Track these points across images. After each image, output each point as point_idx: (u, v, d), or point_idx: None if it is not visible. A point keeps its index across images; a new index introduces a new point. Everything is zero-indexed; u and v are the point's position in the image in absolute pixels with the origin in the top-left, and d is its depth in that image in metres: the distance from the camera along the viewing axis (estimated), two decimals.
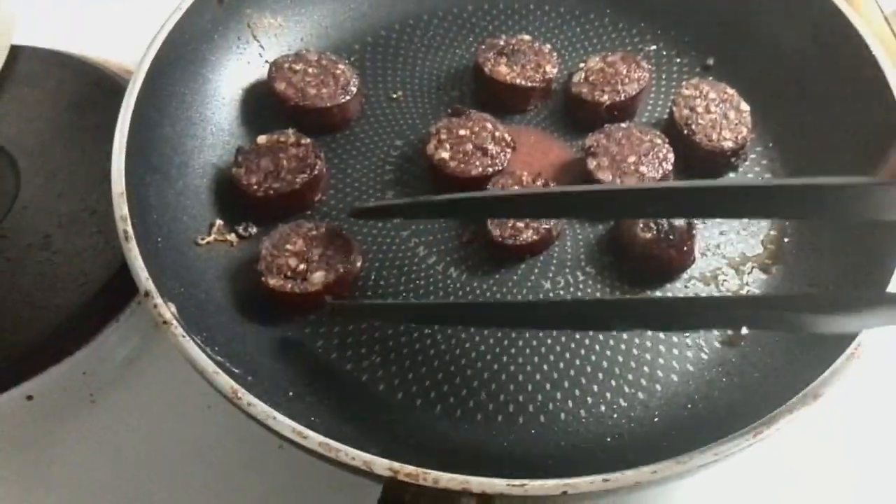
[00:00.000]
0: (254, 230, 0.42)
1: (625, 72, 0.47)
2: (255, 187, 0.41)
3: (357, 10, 0.51)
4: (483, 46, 0.47)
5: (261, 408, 0.30)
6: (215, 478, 0.38)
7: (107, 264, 0.41)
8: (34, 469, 0.38)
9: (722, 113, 0.46)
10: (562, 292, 0.41)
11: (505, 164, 0.43)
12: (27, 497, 0.37)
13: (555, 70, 0.47)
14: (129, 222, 0.35)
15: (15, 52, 0.50)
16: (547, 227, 0.41)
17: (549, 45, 0.48)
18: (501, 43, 0.48)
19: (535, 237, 0.41)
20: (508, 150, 0.43)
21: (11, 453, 0.38)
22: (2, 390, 0.38)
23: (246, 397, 0.30)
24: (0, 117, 0.47)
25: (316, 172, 0.42)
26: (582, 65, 0.47)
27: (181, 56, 0.43)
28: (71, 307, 0.40)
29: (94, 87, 0.49)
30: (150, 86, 0.40)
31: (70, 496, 0.38)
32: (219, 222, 0.41)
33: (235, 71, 0.47)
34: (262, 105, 0.47)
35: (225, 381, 0.31)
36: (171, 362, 0.32)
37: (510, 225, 0.41)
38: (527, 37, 0.48)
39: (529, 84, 0.46)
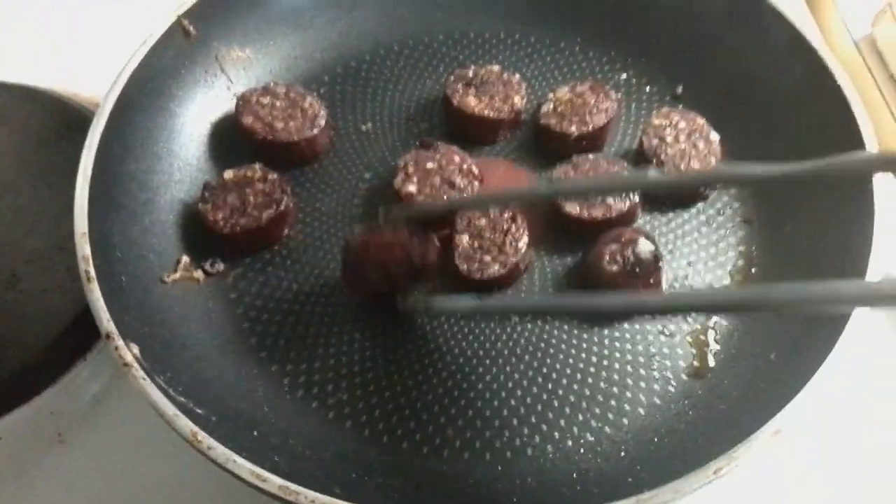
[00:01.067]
0: (221, 266, 0.43)
1: (593, 102, 0.48)
2: (222, 223, 0.42)
3: (326, 41, 0.53)
4: (452, 78, 0.49)
5: (220, 451, 0.31)
6: None
7: (74, 302, 0.42)
8: None
9: (691, 143, 0.47)
10: (529, 325, 0.42)
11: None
12: None
13: (523, 101, 0.48)
14: (90, 263, 0.36)
15: None
16: (514, 260, 0.42)
17: (518, 76, 0.49)
18: (470, 74, 0.49)
19: (502, 271, 0.42)
20: (476, 183, 0.45)
21: None
22: None
23: (206, 440, 0.31)
24: None
25: (282, 208, 0.43)
26: (550, 95, 0.49)
27: (147, 91, 0.44)
28: (38, 346, 0.41)
29: (63, 121, 0.50)
30: (115, 122, 0.41)
31: None
32: (185, 259, 0.42)
33: (203, 105, 0.48)
34: (231, 139, 0.48)
35: (185, 424, 0.32)
36: (140, 400, 0.33)
37: (477, 258, 0.42)
38: (496, 67, 0.50)
39: (497, 116, 0.48)
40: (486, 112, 0.48)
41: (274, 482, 0.31)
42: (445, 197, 0.44)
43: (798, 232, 0.45)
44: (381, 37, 0.53)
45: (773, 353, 0.41)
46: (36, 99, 0.52)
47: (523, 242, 0.42)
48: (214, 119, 0.49)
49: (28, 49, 0.57)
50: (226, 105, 0.49)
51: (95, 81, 0.53)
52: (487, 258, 0.42)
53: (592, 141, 0.48)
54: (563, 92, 0.49)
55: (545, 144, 0.48)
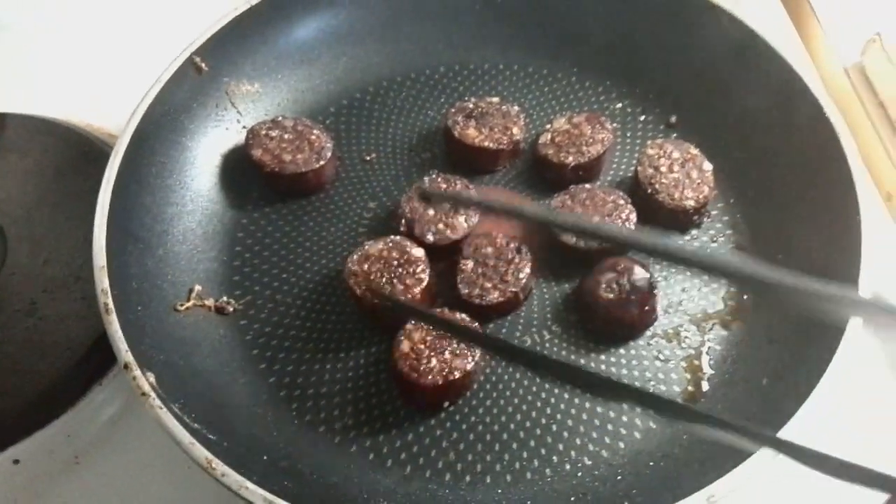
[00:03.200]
0: (232, 306, 0.45)
1: (589, 133, 0.50)
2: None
3: (332, 75, 0.55)
4: (453, 109, 0.51)
5: (233, 478, 0.33)
6: None
7: (90, 329, 0.44)
8: None
9: (685, 172, 0.49)
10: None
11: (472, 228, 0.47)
12: None
13: (521, 132, 0.51)
14: (109, 295, 0.38)
15: (2, 119, 0.54)
16: (514, 290, 0.44)
17: (516, 107, 0.52)
18: (470, 105, 0.51)
19: (501, 298, 0.44)
20: (474, 218, 0.47)
21: None
22: None
23: (220, 468, 0.33)
24: None
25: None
26: (549, 126, 0.51)
27: (161, 126, 0.47)
28: (56, 372, 0.43)
29: (79, 153, 0.52)
30: (131, 158, 0.44)
31: None
32: (198, 288, 0.45)
33: (214, 138, 0.50)
34: (241, 170, 0.50)
35: (200, 452, 0.34)
36: (152, 424, 0.35)
37: (479, 284, 0.44)
38: (495, 99, 0.52)
39: (497, 147, 0.50)
40: (486, 143, 0.50)
41: None
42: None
43: (789, 260, 0.47)
44: (384, 70, 0.56)
45: (764, 378, 0.42)
46: (52, 131, 0.54)
47: (525, 274, 0.44)
48: (225, 151, 0.51)
49: (44, 82, 0.60)
50: (235, 137, 0.52)
51: (109, 113, 0.57)
52: (488, 285, 0.44)
53: (588, 170, 0.50)
54: (561, 122, 0.51)
55: (543, 173, 0.51)
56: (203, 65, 0.49)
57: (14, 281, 0.46)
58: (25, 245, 0.48)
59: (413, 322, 0.42)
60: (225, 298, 0.45)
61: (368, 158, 0.52)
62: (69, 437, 0.43)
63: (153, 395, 0.35)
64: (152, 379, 0.36)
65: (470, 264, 0.45)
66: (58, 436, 0.42)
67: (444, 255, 0.46)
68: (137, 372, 0.35)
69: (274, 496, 0.33)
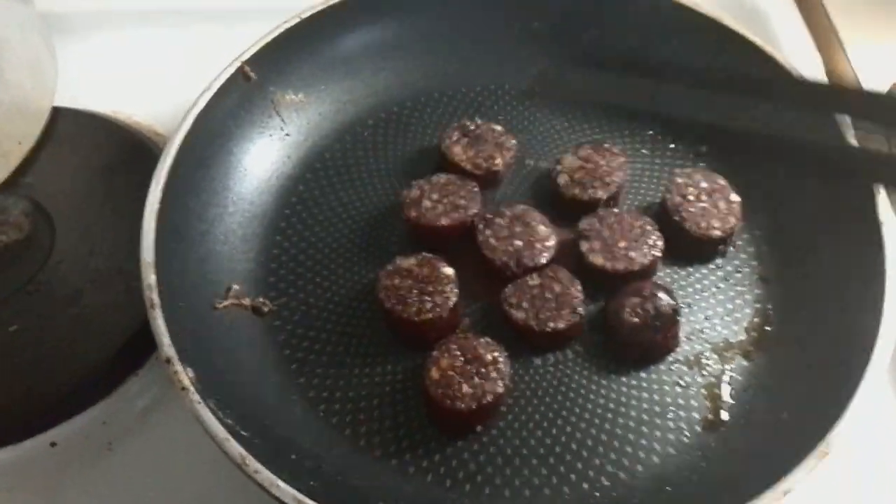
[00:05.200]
0: (268, 306, 0.46)
1: (604, 162, 0.51)
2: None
3: (372, 88, 0.57)
4: (455, 124, 0.52)
5: (265, 475, 0.34)
6: None
7: (131, 321, 0.45)
8: None
9: (712, 202, 0.50)
10: (551, 369, 0.45)
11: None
12: None
13: (502, 164, 0.51)
14: (155, 290, 0.39)
15: (55, 113, 0.56)
16: (581, 313, 0.44)
17: (514, 140, 0.52)
18: (472, 126, 0.52)
19: (566, 325, 0.43)
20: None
21: (35, 496, 0.42)
22: (28, 437, 0.42)
23: (253, 464, 0.34)
24: (40, 176, 0.53)
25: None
26: (558, 166, 0.51)
27: (209, 131, 0.48)
28: (96, 360, 0.44)
29: (127, 149, 0.54)
30: (180, 160, 0.45)
31: None
32: (235, 287, 0.46)
33: (258, 144, 0.52)
34: (282, 176, 0.52)
35: (234, 448, 0.35)
36: (185, 416, 0.36)
37: (536, 308, 0.44)
38: (498, 127, 0.53)
39: (473, 170, 0.51)
40: (464, 164, 0.51)
41: None
42: None
43: (813, 294, 0.47)
44: (421, 86, 0.57)
45: (784, 412, 0.42)
46: (102, 127, 0.56)
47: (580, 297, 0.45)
48: (268, 157, 0.53)
49: (97, 78, 0.62)
50: (278, 144, 0.53)
51: (157, 112, 0.58)
52: (549, 312, 0.44)
53: (615, 199, 0.51)
54: (569, 160, 0.51)
55: (566, 209, 0.50)
56: (252, 74, 0.51)
57: (61, 270, 0.48)
58: (73, 236, 0.50)
59: (439, 347, 0.42)
60: (261, 299, 0.46)
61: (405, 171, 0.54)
62: (104, 424, 0.44)
63: (192, 389, 0.36)
64: (192, 374, 0.37)
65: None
66: (94, 422, 0.44)
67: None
68: (179, 367, 0.37)
69: (304, 496, 0.34)
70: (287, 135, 0.53)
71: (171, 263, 0.42)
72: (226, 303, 0.45)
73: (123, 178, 0.53)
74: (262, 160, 0.52)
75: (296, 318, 0.46)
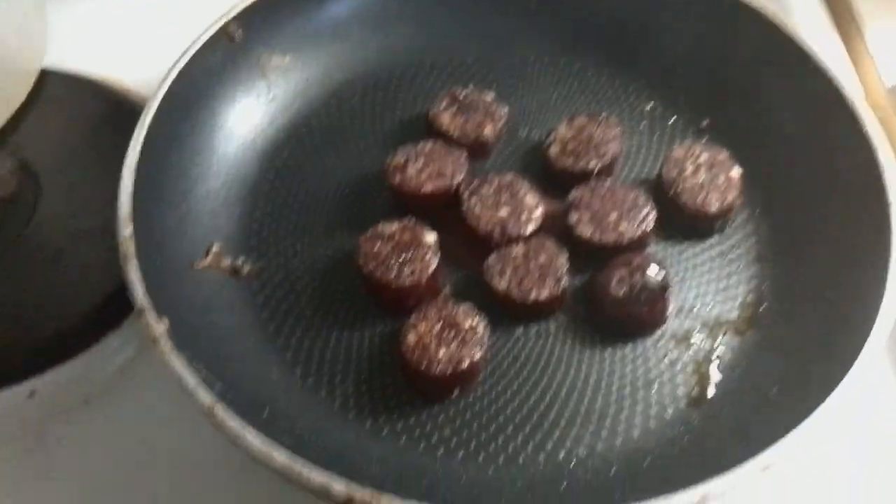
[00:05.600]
0: (248, 267, 0.48)
1: (599, 132, 0.52)
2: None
3: (363, 54, 0.58)
4: (444, 92, 0.54)
5: (234, 425, 0.36)
6: (203, 482, 0.44)
7: (112, 278, 0.47)
8: (33, 461, 0.45)
9: (711, 177, 0.51)
10: (532, 339, 0.47)
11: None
12: (27, 486, 0.44)
13: (492, 134, 0.53)
14: (131, 243, 0.42)
15: (44, 75, 0.59)
16: (563, 286, 0.45)
17: (506, 109, 0.54)
18: (463, 94, 0.54)
19: (548, 296, 0.45)
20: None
21: (13, 444, 0.45)
22: (7, 385, 0.45)
23: (221, 414, 0.37)
24: (27, 136, 0.55)
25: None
26: (551, 136, 0.52)
27: (193, 89, 0.50)
28: (76, 314, 0.47)
29: (114, 112, 0.57)
30: (162, 115, 0.47)
31: (65, 489, 0.44)
32: (215, 247, 0.48)
33: (243, 105, 0.54)
34: (267, 137, 0.54)
35: (204, 396, 0.37)
36: (161, 374, 0.39)
37: (517, 279, 0.46)
38: (490, 96, 0.54)
39: (459, 139, 0.52)
40: (451, 132, 0.52)
41: (280, 459, 0.36)
42: None
43: (811, 274, 0.48)
44: (416, 53, 0.59)
45: (774, 388, 0.44)
46: (90, 89, 0.59)
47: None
48: (253, 119, 0.55)
49: (85, 41, 0.64)
50: (264, 107, 0.55)
51: (145, 77, 0.61)
52: (530, 283, 0.46)
53: (608, 171, 0.52)
54: (564, 129, 0.53)
55: (556, 180, 0.52)
56: (237, 33, 0.53)
57: (43, 228, 0.51)
58: (58, 195, 0.53)
59: (418, 312, 0.44)
60: (241, 260, 0.49)
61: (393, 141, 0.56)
62: (83, 378, 0.47)
63: (165, 338, 0.39)
64: (164, 326, 0.40)
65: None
66: (73, 374, 0.46)
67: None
68: (152, 316, 0.39)
69: (273, 445, 0.36)
70: (273, 98, 0.56)
71: (149, 218, 0.45)
72: (205, 262, 0.47)
73: (110, 140, 0.55)
74: (247, 122, 0.54)
75: (275, 281, 0.49)
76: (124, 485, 0.44)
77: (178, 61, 0.50)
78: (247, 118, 0.55)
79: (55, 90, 0.59)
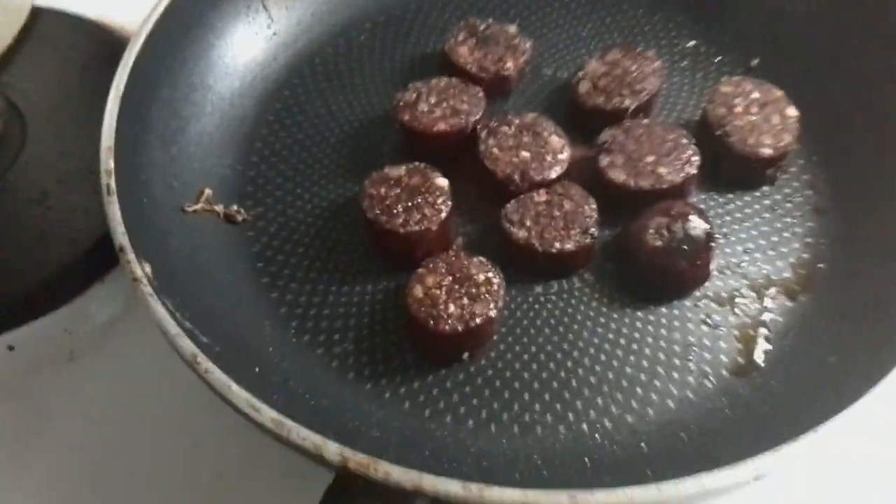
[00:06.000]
0: (243, 214, 0.44)
1: (634, 67, 0.46)
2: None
3: None
4: (462, 24, 0.49)
5: (217, 375, 0.32)
6: (187, 442, 0.41)
7: (98, 225, 0.44)
8: (13, 416, 0.42)
9: (764, 116, 0.45)
10: (554, 297, 0.42)
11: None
12: (8, 442, 0.42)
13: (514, 68, 0.48)
14: (113, 176, 0.38)
15: (35, 13, 0.56)
16: (594, 232, 0.41)
17: (529, 42, 0.49)
18: (482, 26, 0.49)
19: (575, 247, 0.41)
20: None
21: None
22: None
23: (205, 363, 0.33)
24: (16, 75, 0.53)
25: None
26: (581, 73, 0.47)
27: (187, 18, 0.46)
28: (59, 264, 0.44)
29: (107, 51, 0.53)
30: (152, 46, 0.44)
31: (48, 446, 0.42)
32: (208, 191, 0.45)
33: (242, 40, 0.50)
34: (267, 78, 0.50)
35: (187, 345, 0.33)
36: (149, 328, 0.35)
37: (544, 228, 0.41)
38: (512, 28, 0.49)
39: (478, 73, 0.47)
40: (469, 66, 0.47)
41: (267, 414, 0.32)
42: None
43: (875, 230, 0.42)
44: None
45: (833, 355, 0.38)
46: (82, 28, 0.56)
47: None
48: (253, 56, 0.51)
49: None
50: (264, 44, 0.51)
51: (140, 12, 0.57)
52: (555, 233, 0.41)
53: (646, 111, 0.46)
54: (594, 65, 0.47)
55: (588, 121, 0.47)
56: None
57: (29, 169, 0.48)
58: (45, 135, 0.49)
59: (426, 264, 0.40)
60: (235, 207, 0.45)
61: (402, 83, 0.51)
62: (66, 332, 0.44)
63: (145, 281, 0.35)
64: (148, 269, 0.36)
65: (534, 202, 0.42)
66: (55, 328, 0.43)
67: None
68: (132, 256, 0.35)
69: (258, 401, 0.32)
70: (275, 34, 0.51)
71: (137, 155, 0.41)
72: (196, 206, 0.44)
73: (102, 81, 0.51)
74: (246, 59, 0.50)
75: (272, 230, 0.45)
76: (111, 444, 0.42)
77: None
78: (246, 55, 0.50)
79: (47, 29, 0.56)
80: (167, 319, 0.34)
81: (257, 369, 0.38)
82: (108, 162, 0.38)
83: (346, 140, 0.48)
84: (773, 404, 0.38)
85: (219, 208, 0.44)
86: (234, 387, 0.32)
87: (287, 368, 0.39)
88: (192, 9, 0.47)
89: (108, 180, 0.37)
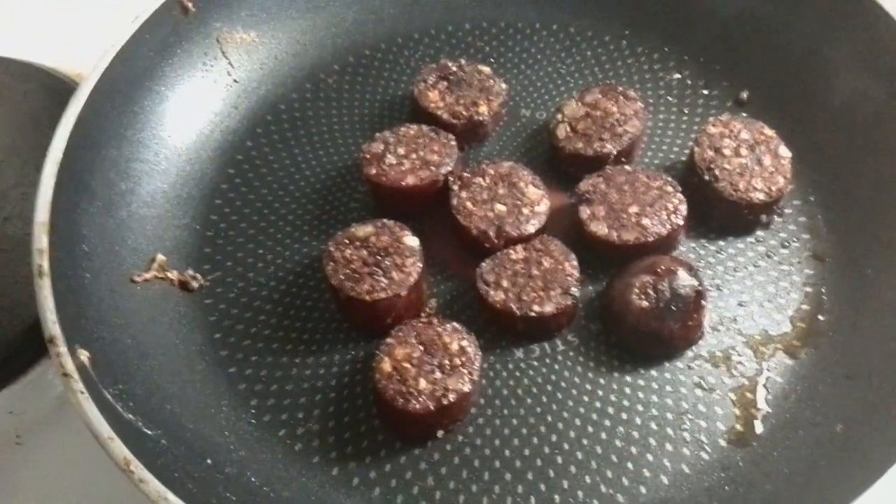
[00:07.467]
0: (200, 281, 0.41)
1: (615, 109, 0.43)
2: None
3: (340, 27, 0.50)
4: (430, 67, 0.46)
5: (153, 486, 0.29)
6: None
7: None
8: None
9: (755, 158, 0.42)
10: (536, 363, 0.38)
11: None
12: None
13: (488, 113, 0.44)
14: (45, 256, 0.34)
15: None
16: (575, 296, 0.37)
17: (504, 85, 0.45)
18: (453, 68, 0.46)
19: (557, 309, 0.37)
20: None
21: None
22: None
23: (139, 472, 0.29)
24: None
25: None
26: (558, 115, 0.44)
27: (136, 71, 0.43)
28: (2, 340, 0.40)
29: (58, 101, 0.50)
30: (96, 103, 0.40)
31: None
32: (161, 257, 0.41)
33: (199, 90, 0.47)
34: (227, 128, 0.47)
35: (119, 450, 0.30)
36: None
37: (522, 290, 0.38)
38: (486, 69, 0.46)
39: (451, 120, 0.44)
40: (440, 112, 0.44)
41: None
42: None
43: (881, 278, 0.39)
44: (400, 25, 0.51)
45: (839, 424, 0.35)
46: (33, 76, 0.52)
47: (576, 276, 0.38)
48: (211, 106, 0.47)
49: (28, 24, 0.58)
50: (224, 92, 0.47)
51: (91, 58, 0.54)
52: (534, 294, 0.37)
53: (627, 155, 0.43)
54: (573, 107, 0.44)
55: (567, 168, 0.43)
56: (191, 4, 0.45)
57: None
58: None
59: (395, 333, 0.36)
60: (191, 272, 0.41)
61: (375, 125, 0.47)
62: (11, 414, 0.40)
63: (75, 377, 0.31)
64: (85, 357, 0.33)
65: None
66: None
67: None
68: (63, 348, 0.32)
69: None
70: (235, 81, 0.48)
71: (77, 225, 0.38)
72: (147, 275, 0.40)
73: (51, 133, 0.49)
74: (204, 110, 0.47)
75: (231, 296, 0.41)
76: None
77: (117, 39, 0.42)
78: (203, 106, 0.47)
79: None
80: (99, 420, 0.30)
81: (209, 461, 0.34)
82: (40, 239, 0.34)
83: (311, 194, 0.45)
84: (774, 480, 0.34)
85: (173, 275, 0.41)
86: (171, 497, 0.29)
87: (245, 456, 0.35)
88: (141, 61, 0.43)
89: (41, 261, 0.34)
